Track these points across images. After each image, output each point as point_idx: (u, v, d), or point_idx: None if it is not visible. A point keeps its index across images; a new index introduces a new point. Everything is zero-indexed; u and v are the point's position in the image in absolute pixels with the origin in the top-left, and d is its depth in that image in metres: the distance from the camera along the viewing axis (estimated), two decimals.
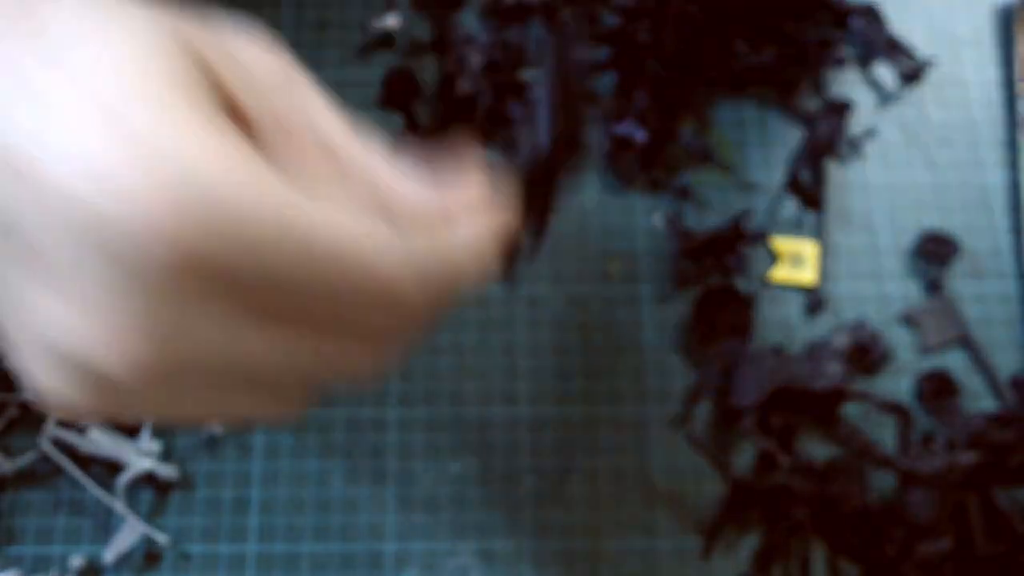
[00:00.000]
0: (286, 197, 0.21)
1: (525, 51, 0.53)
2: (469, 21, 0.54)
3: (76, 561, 0.43)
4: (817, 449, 0.46)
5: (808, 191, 0.51)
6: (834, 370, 0.46)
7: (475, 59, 0.52)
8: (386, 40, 0.54)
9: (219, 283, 0.20)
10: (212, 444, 0.46)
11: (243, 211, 0.20)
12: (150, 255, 0.19)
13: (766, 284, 0.49)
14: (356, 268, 0.22)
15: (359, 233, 0.22)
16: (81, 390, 0.21)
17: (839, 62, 0.54)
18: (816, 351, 0.47)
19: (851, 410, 0.46)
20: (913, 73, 0.53)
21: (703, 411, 0.47)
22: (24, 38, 0.21)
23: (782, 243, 0.50)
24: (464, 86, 0.51)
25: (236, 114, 0.23)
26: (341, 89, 0.53)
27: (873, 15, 0.54)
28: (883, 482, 0.45)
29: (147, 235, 0.19)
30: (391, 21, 0.54)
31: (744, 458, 0.46)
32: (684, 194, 0.51)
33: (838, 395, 0.46)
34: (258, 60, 0.25)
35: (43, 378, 0.22)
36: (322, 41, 0.55)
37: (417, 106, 0.52)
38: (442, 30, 0.54)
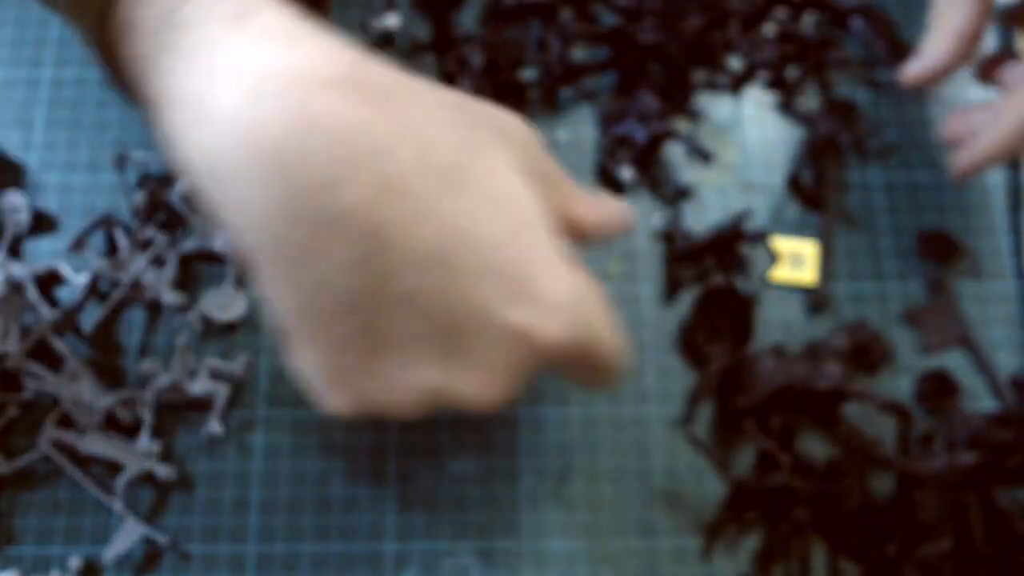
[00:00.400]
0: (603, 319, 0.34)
1: (525, 51, 0.53)
2: (468, 21, 0.54)
3: (76, 561, 0.43)
4: (817, 449, 0.46)
5: (809, 191, 0.51)
6: (834, 370, 0.46)
7: (475, 59, 0.52)
8: (386, 40, 0.54)
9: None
10: (212, 444, 0.46)
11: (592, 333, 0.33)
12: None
13: (766, 284, 0.49)
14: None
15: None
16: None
17: (841, 62, 0.54)
18: (816, 351, 0.47)
19: (851, 410, 0.46)
20: None
21: (704, 411, 0.47)
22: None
23: (782, 243, 0.50)
24: (464, 86, 0.51)
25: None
26: None
27: (875, 15, 0.54)
28: (883, 482, 0.45)
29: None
30: (391, 21, 0.54)
31: (744, 458, 0.46)
32: (683, 194, 0.51)
33: (838, 395, 0.46)
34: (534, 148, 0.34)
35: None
36: None
37: None
38: (442, 30, 0.54)
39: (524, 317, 0.30)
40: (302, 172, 0.27)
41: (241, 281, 0.48)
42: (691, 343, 0.48)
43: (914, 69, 0.45)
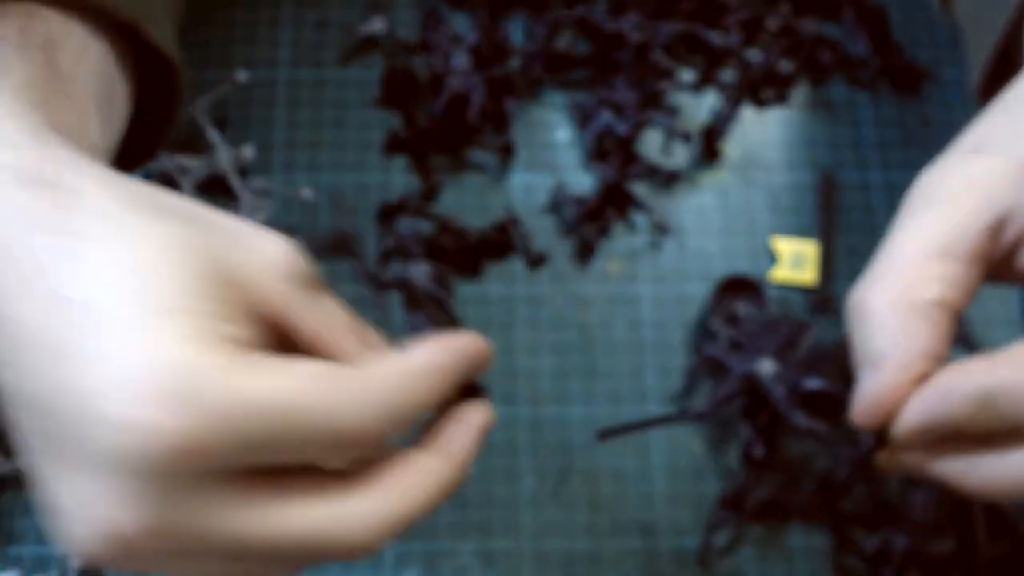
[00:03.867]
0: (268, 390, 0.24)
1: (511, 44, 0.53)
2: (456, 20, 0.54)
3: (76, 561, 0.43)
4: (818, 449, 0.46)
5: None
6: (835, 370, 0.46)
7: (462, 58, 0.52)
8: (374, 43, 0.54)
9: (210, 469, 0.24)
10: None
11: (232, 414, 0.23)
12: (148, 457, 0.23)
13: (767, 284, 0.49)
14: (323, 423, 0.24)
15: (321, 388, 0.25)
16: (92, 546, 0.24)
17: (841, 62, 0.54)
18: (817, 351, 0.47)
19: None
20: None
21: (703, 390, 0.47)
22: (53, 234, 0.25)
23: (782, 243, 0.50)
24: (454, 84, 0.51)
25: (255, 306, 0.26)
26: (341, 89, 0.54)
27: (875, 15, 0.54)
28: (886, 482, 0.45)
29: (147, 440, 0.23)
30: (377, 25, 0.54)
31: (745, 459, 0.46)
32: (675, 177, 0.51)
33: (839, 395, 0.46)
34: (273, 256, 0.27)
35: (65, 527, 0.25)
36: (322, 41, 0.55)
37: (416, 105, 0.52)
38: (429, 30, 0.54)
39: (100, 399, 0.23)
40: None
41: None
42: (693, 342, 0.48)
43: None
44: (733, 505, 0.45)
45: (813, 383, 0.44)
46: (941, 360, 0.30)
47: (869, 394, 0.30)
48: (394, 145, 0.52)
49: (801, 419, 0.43)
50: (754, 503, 0.44)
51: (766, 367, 0.45)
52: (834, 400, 0.46)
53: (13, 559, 0.44)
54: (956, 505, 0.43)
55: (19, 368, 0.24)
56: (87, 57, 0.31)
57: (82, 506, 0.24)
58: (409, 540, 0.45)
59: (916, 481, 0.44)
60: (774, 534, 0.44)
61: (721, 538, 0.44)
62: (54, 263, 0.24)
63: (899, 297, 0.30)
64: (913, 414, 0.29)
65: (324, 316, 0.28)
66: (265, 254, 0.27)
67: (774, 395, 0.44)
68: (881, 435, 0.31)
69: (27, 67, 0.29)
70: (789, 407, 0.44)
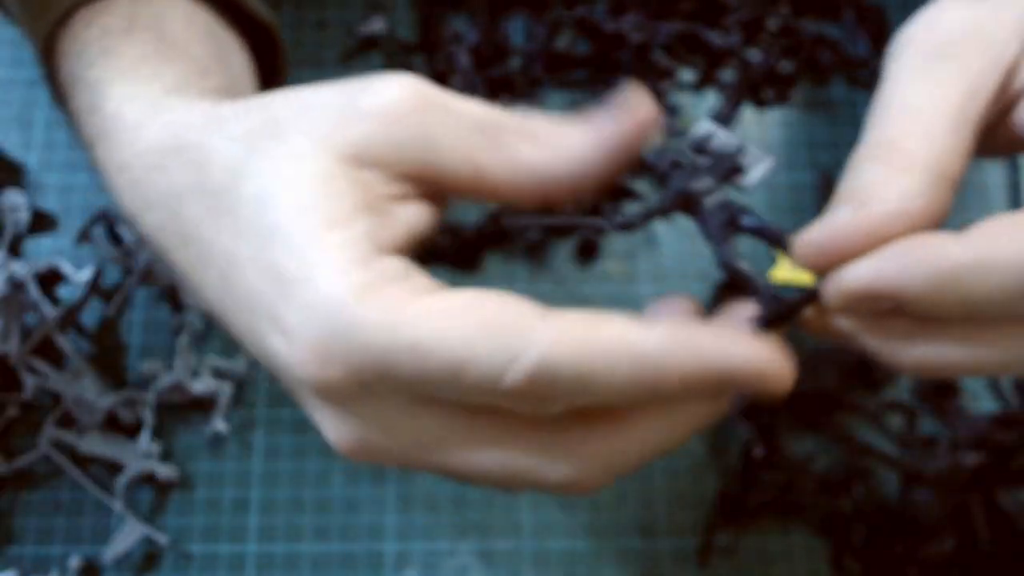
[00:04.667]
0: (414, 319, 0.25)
1: (511, 44, 0.53)
2: (455, 20, 0.54)
3: (76, 561, 0.43)
4: (819, 449, 0.46)
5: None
6: (835, 371, 0.46)
7: (464, 58, 0.52)
8: (374, 43, 0.54)
9: (376, 387, 0.25)
10: (212, 444, 0.46)
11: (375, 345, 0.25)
12: (305, 384, 0.26)
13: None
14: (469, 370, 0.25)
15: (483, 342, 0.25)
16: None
17: (841, 62, 0.54)
18: (817, 352, 0.47)
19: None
20: None
21: None
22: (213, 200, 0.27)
23: None
24: (454, 84, 0.51)
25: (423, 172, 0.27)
26: None
27: (875, 15, 0.54)
28: (887, 483, 0.45)
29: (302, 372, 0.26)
30: (377, 25, 0.54)
31: (745, 459, 0.46)
32: (678, 165, 0.51)
33: (841, 396, 0.46)
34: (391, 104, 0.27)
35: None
36: (322, 41, 0.55)
37: None
38: (430, 29, 0.54)
39: (279, 349, 0.26)
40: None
41: None
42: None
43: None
44: (733, 505, 0.45)
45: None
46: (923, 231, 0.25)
47: (835, 230, 0.26)
48: None
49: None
50: (754, 503, 0.44)
51: None
52: (832, 399, 0.46)
53: (13, 559, 0.44)
54: (956, 505, 0.43)
55: (209, 286, 0.28)
56: (194, 26, 0.34)
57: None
58: (409, 540, 0.45)
59: (919, 481, 0.44)
60: (774, 534, 0.44)
61: (721, 538, 0.44)
62: (226, 203, 0.27)
63: (917, 164, 0.26)
64: (864, 272, 0.25)
65: (461, 135, 0.27)
66: (383, 115, 0.27)
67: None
68: (811, 290, 0.28)
69: (137, 48, 0.32)
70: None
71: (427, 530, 0.45)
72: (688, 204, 0.31)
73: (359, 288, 0.25)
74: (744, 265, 0.29)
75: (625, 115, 0.27)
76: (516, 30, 0.54)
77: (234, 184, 0.27)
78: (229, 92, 0.32)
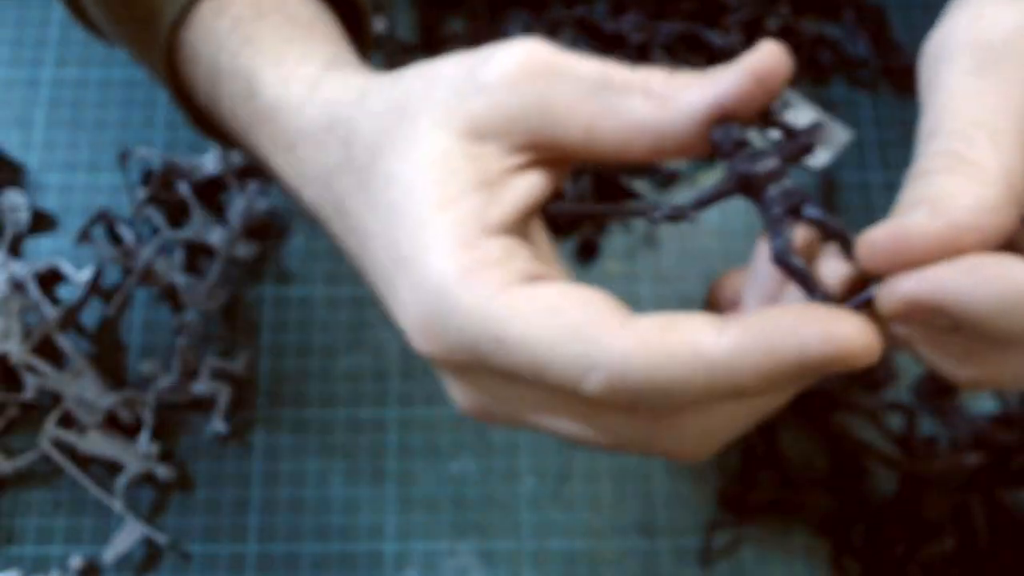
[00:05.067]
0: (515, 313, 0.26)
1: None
2: (456, 20, 0.54)
3: (76, 561, 0.43)
4: (819, 449, 0.46)
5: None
6: (837, 371, 0.46)
7: None
8: (374, 43, 0.54)
9: (479, 367, 0.27)
10: (212, 444, 0.46)
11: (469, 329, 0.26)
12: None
13: None
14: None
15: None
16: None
17: (841, 62, 0.54)
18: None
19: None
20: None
21: None
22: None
23: None
24: None
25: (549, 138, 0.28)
26: None
27: (875, 15, 0.54)
28: (887, 483, 0.45)
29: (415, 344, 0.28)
30: (377, 25, 0.54)
31: (745, 459, 0.46)
32: (673, 178, 0.51)
33: (841, 396, 0.46)
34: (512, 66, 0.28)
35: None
36: None
37: None
38: (430, 30, 0.54)
39: (399, 319, 0.28)
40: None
41: (227, 276, 0.49)
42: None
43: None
44: (733, 505, 0.45)
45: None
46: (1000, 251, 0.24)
47: (906, 233, 0.24)
48: None
49: None
50: (754, 503, 0.44)
51: None
52: (832, 399, 0.46)
53: (13, 559, 0.44)
54: (956, 505, 0.43)
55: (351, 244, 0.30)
56: (306, 3, 0.35)
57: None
58: (409, 540, 0.45)
59: (920, 481, 0.44)
60: (774, 534, 0.44)
61: (721, 538, 0.44)
62: (364, 179, 0.28)
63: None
64: (929, 282, 0.24)
65: (577, 98, 0.27)
66: (499, 87, 0.27)
67: None
68: (857, 285, 0.26)
69: (275, 31, 0.33)
70: None
71: (427, 530, 0.45)
72: (749, 188, 0.29)
73: (460, 271, 0.26)
74: (798, 261, 0.27)
75: (747, 71, 0.27)
76: (516, 30, 0.54)
77: (372, 161, 0.28)
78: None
